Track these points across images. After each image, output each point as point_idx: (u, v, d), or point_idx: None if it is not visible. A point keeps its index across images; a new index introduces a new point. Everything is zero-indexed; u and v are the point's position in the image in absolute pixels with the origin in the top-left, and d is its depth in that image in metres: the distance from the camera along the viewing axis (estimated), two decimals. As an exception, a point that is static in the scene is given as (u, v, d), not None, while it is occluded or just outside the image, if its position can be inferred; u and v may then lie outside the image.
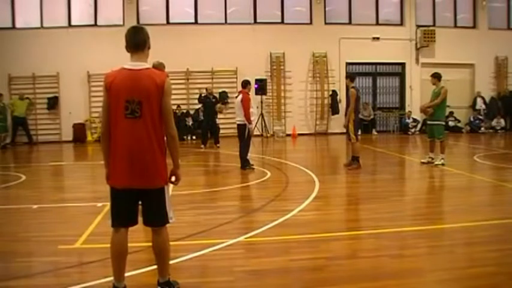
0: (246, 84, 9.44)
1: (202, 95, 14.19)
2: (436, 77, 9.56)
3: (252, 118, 9.29)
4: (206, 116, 14.12)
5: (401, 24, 18.26)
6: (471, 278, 3.66)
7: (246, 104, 9.10)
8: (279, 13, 17.67)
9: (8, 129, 15.38)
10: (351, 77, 9.60)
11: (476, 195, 7.16)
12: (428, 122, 9.97)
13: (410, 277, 3.77)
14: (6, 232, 5.22)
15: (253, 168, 9.35)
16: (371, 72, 18.48)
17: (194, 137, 16.25)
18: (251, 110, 9.26)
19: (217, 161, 11.92)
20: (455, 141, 15.17)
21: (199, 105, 15.09)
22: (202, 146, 13.71)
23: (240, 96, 9.24)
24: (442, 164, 9.25)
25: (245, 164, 9.32)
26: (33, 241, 4.81)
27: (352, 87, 9.32)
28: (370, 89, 18.58)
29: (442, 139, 9.46)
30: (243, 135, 9.26)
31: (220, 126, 16.51)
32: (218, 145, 13.85)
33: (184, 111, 16.61)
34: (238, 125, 9.36)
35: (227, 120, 16.26)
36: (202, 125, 14.64)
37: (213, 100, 14.07)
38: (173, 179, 3.36)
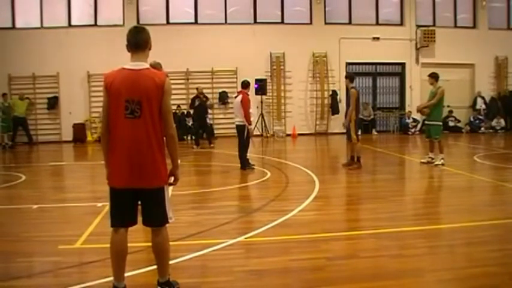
0: (246, 85, 9.39)
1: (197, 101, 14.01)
2: (434, 77, 9.54)
3: (251, 119, 9.26)
4: (197, 116, 14.05)
5: (401, 24, 18.26)
6: (471, 278, 3.66)
7: (246, 105, 9.06)
8: (279, 13, 17.67)
9: (11, 129, 15.41)
10: (350, 77, 9.59)
11: (476, 195, 7.16)
12: (426, 122, 10.00)
13: (410, 277, 3.77)
14: (7, 232, 5.22)
15: (254, 168, 9.35)
16: (371, 72, 18.48)
17: (194, 137, 16.23)
18: (250, 110, 9.23)
19: (217, 161, 11.90)
20: (455, 141, 15.17)
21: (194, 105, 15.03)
22: (195, 146, 13.72)
23: (240, 96, 9.19)
24: (442, 164, 9.25)
25: (245, 164, 9.31)
26: (34, 241, 4.81)
27: (352, 87, 9.32)
28: (370, 89, 18.58)
29: (438, 139, 9.44)
30: (242, 135, 9.24)
31: (220, 126, 16.56)
32: (212, 145, 13.96)
33: (185, 111, 16.60)
34: (237, 125, 9.34)
35: (227, 120, 16.28)
36: (194, 125, 14.64)
37: (204, 99, 14.01)
38: (172, 179, 3.36)
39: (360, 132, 9.91)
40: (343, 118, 17.30)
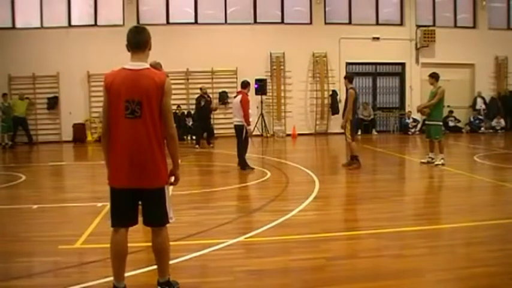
0: (246, 85, 9.36)
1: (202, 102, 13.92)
2: (434, 77, 9.55)
3: (250, 119, 9.24)
4: (201, 116, 14.04)
5: (401, 24, 18.26)
6: (471, 278, 3.66)
7: (245, 105, 9.02)
8: (279, 13, 17.68)
9: (11, 129, 15.40)
10: (349, 77, 9.61)
11: (476, 195, 7.16)
12: (426, 122, 10.02)
13: (410, 277, 3.77)
14: (7, 232, 5.22)
15: (253, 168, 9.33)
16: (371, 72, 18.47)
17: (194, 137, 16.25)
18: (250, 111, 9.19)
19: (217, 161, 11.90)
20: (455, 141, 15.17)
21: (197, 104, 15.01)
22: (197, 146, 13.73)
23: (239, 97, 9.15)
24: (442, 164, 9.25)
25: (245, 165, 9.29)
26: (33, 241, 4.81)
27: (351, 87, 9.32)
28: (370, 89, 18.57)
29: (439, 139, 9.45)
30: (241, 136, 9.23)
31: (220, 126, 16.56)
32: (211, 145, 13.99)
33: (185, 111, 16.61)
34: (235, 125, 9.30)
35: (227, 120, 16.26)
36: (195, 124, 14.61)
37: (208, 99, 14.00)
38: (172, 179, 3.36)
39: (359, 132, 9.96)
40: (342, 118, 17.46)
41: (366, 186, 7.96)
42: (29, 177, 9.09)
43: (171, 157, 3.31)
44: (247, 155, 9.51)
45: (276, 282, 3.73)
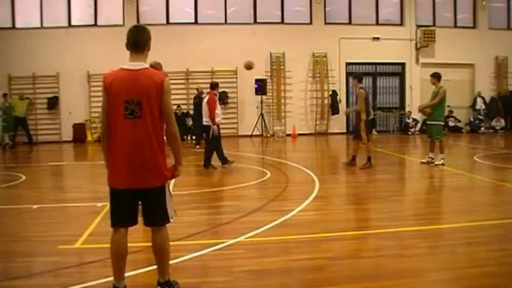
0: (214, 86, 9.58)
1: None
2: (436, 77, 9.56)
3: (217, 119, 9.31)
4: (198, 116, 14.02)
5: (401, 24, 18.26)
6: (471, 278, 3.66)
7: (211, 104, 9.17)
8: (279, 13, 17.68)
9: (12, 129, 15.40)
10: (358, 77, 9.67)
11: (476, 195, 7.15)
12: (427, 122, 10.01)
13: (410, 277, 3.76)
14: (6, 232, 5.22)
15: (216, 168, 9.49)
16: (371, 72, 18.46)
17: (194, 137, 16.23)
18: (216, 111, 9.29)
19: (217, 161, 11.87)
20: (455, 141, 15.17)
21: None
22: (198, 146, 13.72)
23: (207, 97, 9.34)
24: (442, 164, 9.25)
25: (208, 164, 9.52)
26: (33, 241, 4.81)
27: (361, 87, 9.37)
28: (370, 89, 18.48)
29: (440, 139, 9.45)
30: (207, 136, 9.41)
31: (220, 126, 16.51)
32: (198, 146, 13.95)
33: (185, 111, 16.60)
34: (204, 126, 9.50)
35: (227, 120, 16.26)
36: (195, 125, 14.63)
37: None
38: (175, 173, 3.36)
39: (375, 132, 9.88)
40: (343, 118, 17.44)
41: (365, 186, 7.96)
42: (29, 177, 9.09)
43: (174, 155, 3.31)
44: (214, 155, 9.67)
45: (276, 282, 3.73)
